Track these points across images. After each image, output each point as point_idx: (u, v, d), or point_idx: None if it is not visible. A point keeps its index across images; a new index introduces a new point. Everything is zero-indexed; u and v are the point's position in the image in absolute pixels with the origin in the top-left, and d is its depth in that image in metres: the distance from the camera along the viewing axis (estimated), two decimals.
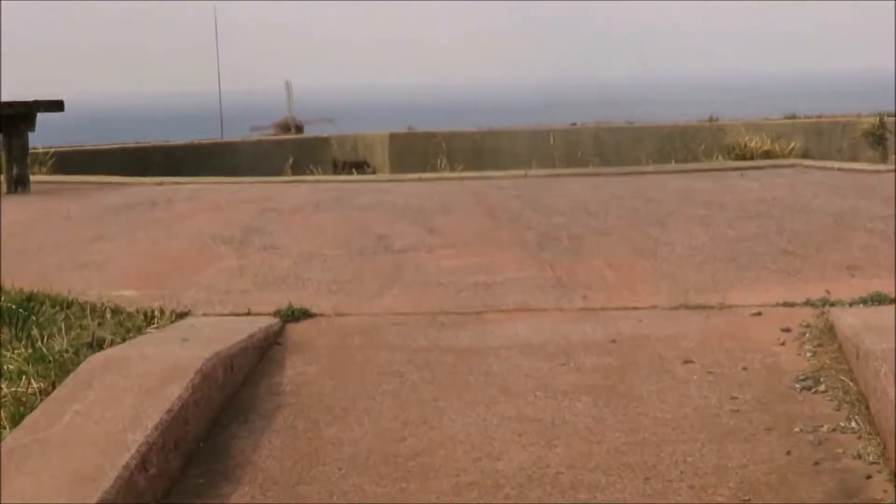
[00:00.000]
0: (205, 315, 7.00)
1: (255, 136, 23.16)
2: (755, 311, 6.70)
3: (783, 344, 6.15)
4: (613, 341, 6.32)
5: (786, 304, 6.77)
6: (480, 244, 8.90)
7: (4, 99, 14.02)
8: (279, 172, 21.44)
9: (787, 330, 6.33)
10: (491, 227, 9.62)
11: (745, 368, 5.84)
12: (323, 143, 23.40)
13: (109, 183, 13.74)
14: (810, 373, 5.70)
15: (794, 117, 23.97)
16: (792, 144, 21.71)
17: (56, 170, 18.71)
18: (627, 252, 8.38)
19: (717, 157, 21.80)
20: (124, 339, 6.26)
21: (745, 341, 6.23)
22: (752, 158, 21.74)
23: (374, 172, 24.03)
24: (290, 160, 22.03)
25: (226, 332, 6.33)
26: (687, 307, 6.86)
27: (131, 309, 6.95)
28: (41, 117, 13.59)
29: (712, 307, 6.83)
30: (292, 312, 6.93)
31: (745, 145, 21.91)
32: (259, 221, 10.22)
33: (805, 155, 21.87)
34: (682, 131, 23.09)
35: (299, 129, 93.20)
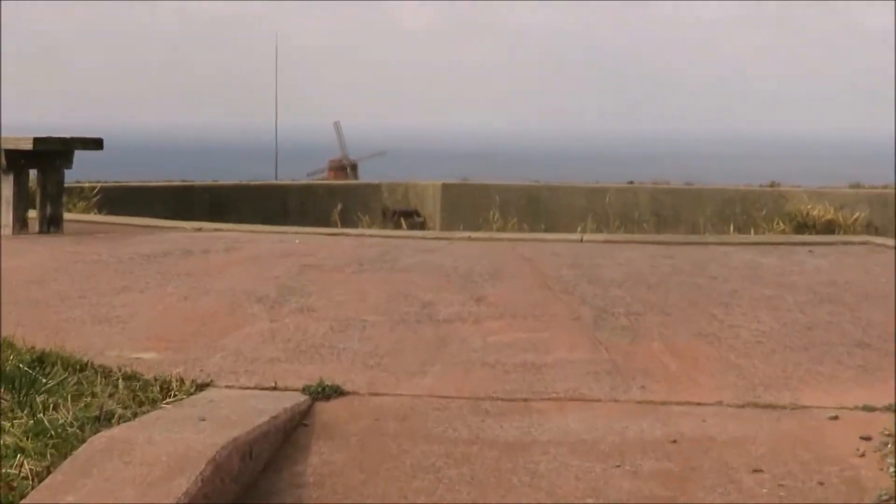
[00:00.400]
0: (227, 387, 6.43)
1: (305, 180, 22.68)
2: (831, 414, 6.07)
3: (863, 455, 5.51)
4: (674, 441, 5.70)
5: (865, 408, 6.13)
6: (531, 318, 8.29)
7: (43, 130, 13.53)
8: (328, 218, 20.96)
9: (868, 438, 5.69)
10: (543, 298, 9.02)
11: (821, 483, 5.21)
12: (373, 190, 22.91)
13: (147, 227, 13.25)
14: (894, 492, 5.07)
15: (858, 186, 23.30)
16: (856, 215, 21.05)
17: (101, 206, 18.30)
18: (689, 335, 7.75)
19: (778, 223, 21.16)
20: (135, 415, 5.69)
21: (820, 450, 5.60)
22: (813, 227, 21.09)
23: (424, 222, 23.51)
24: (339, 206, 21.55)
25: (247, 411, 5.76)
26: (756, 405, 6.23)
27: (149, 376, 6.40)
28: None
29: (783, 407, 6.20)
30: (323, 389, 6.35)
31: (808, 213, 21.27)
32: (297, 280, 9.65)
33: (869, 226, 21.20)
34: (743, 196, 22.45)
35: (353, 167, 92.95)
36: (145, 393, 6.10)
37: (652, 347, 7.44)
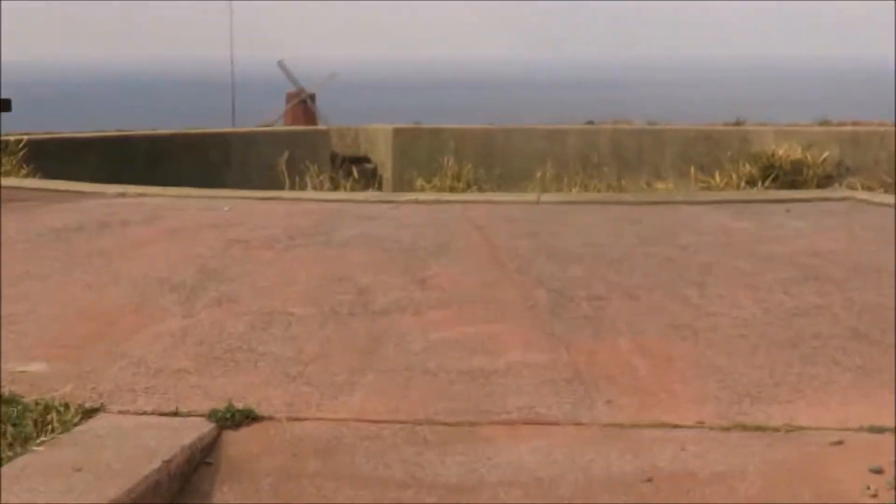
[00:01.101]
0: (121, 412, 5.45)
1: (248, 128, 21.52)
2: (833, 438, 5.13)
3: (875, 496, 4.59)
4: (649, 480, 4.77)
5: (872, 430, 5.20)
6: (481, 305, 7.30)
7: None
8: (273, 168, 19.93)
9: (879, 471, 4.77)
10: (495, 279, 8.02)
11: None
12: (322, 136, 21.85)
13: (67, 192, 12.15)
14: None
15: (827, 123, 22.38)
16: (825, 154, 20.18)
17: (28, 159, 17.20)
18: (660, 327, 6.78)
19: (744, 165, 20.26)
20: None
21: (822, 486, 4.68)
22: (780, 168, 20.20)
23: (375, 169, 22.51)
24: (285, 154, 20.51)
25: (136, 453, 4.77)
26: (743, 427, 5.27)
27: (29, 399, 5.41)
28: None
29: (776, 429, 5.25)
30: (232, 415, 5.37)
31: (774, 154, 20.38)
32: (220, 259, 8.62)
33: (840, 165, 20.33)
34: (707, 136, 21.50)
35: (312, 97, 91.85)
36: (19, 426, 5.11)
37: (618, 345, 6.47)
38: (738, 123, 23.20)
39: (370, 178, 21.16)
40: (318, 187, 18.76)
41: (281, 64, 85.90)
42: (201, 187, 20.12)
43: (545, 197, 11.30)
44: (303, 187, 18.94)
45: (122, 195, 11.77)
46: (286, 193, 11.81)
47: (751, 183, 19.88)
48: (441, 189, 19.00)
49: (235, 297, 7.46)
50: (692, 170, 20.37)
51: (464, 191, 18.92)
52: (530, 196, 11.33)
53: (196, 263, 8.43)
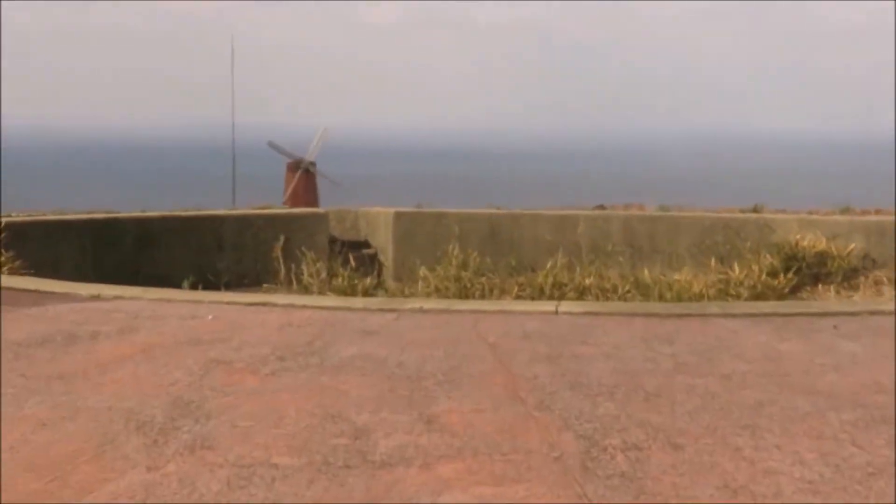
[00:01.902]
0: None
1: (242, 210, 20.47)
2: None
3: None
4: None
5: None
6: (498, 456, 6.19)
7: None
8: (268, 253, 18.95)
9: None
10: (513, 418, 6.90)
11: None
12: (320, 219, 20.78)
13: (38, 291, 11.05)
14: None
15: (849, 211, 21.38)
16: (851, 246, 19.13)
17: (8, 244, 16.15)
18: (712, 490, 5.68)
19: (765, 256, 19.23)
20: None
21: None
22: (803, 259, 19.18)
23: (374, 255, 21.48)
24: (282, 240, 19.47)
25: None
26: None
27: None
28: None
29: None
30: None
31: (797, 244, 19.34)
32: (198, 387, 7.50)
33: (866, 258, 19.34)
34: (725, 224, 20.47)
35: (312, 164, 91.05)
36: None
37: None
38: (756, 210, 22.19)
39: (370, 266, 20.11)
40: (315, 276, 17.72)
41: (272, 144, 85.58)
42: (192, 273, 19.28)
43: (564, 306, 10.20)
44: (299, 275, 17.91)
45: (97, 297, 10.67)
46: (278, 298, 10.69)
47: (772, 275, 18.83)
48: (445, 279, 17.95)
49: (212, 442, 6.36)
50: (712, 260, 19.33)
51: (470, 281, 17.87)
52: (548, 306, 10.22)
53: (170, 393, 7.32)
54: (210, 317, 9.74)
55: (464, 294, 17.61)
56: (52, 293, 10.90)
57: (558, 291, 17.80)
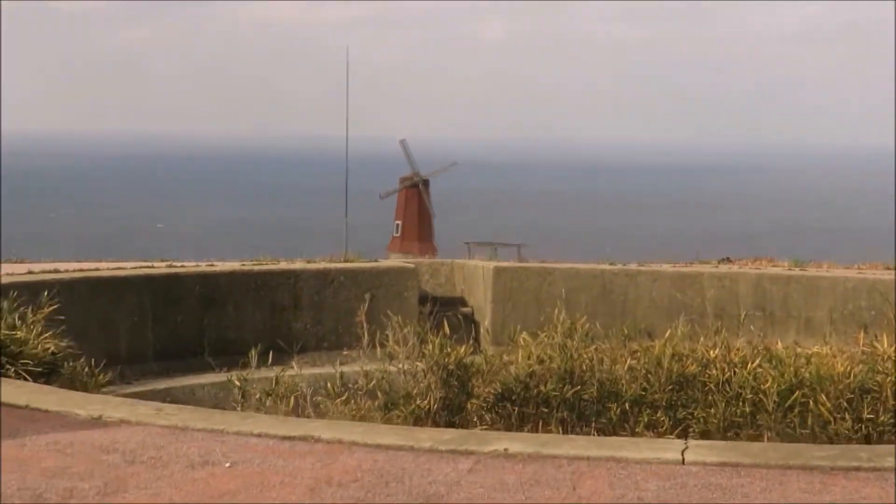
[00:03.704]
0: None
1: (322, 263, 18.25)
2: None
3: None
4: None
5: None
6: None
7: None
8: (350, 315, 16.71)
9: None
10: None
11: None
12: (409, 274, 18.49)
13: (26, 408, 8.77)
14: None
15: None
16: None
17: (59, 309, 14.07)
18: None
19: None
20: None
21: None
22: None
23: (471, 314, 19.16)
24: (367, 300, 17.21)
25: None
26: None
27: None
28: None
29: None
30: None
31: None
32: None
33: None
34: (871, 287, 17.84)
35: (425, 183, 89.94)
36: None
37: None
38: None
39: (465, 330, 17.77)
40: (401, 343, 15.44)
41: (402, 143, 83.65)
42: (264, 335, 17.11)
43: (694, 452, 7.76)
44: (383, 341, 15.63)
45: (97, 421, 8.39)
46: (323, 429, 8.29)
47: None
48: (549, 346, 15.61)
49: None
50: (858, 330, 16.73)
51: (577, 352, 15.50)
52: (671, 453, 7.77)
53: None
54: (227, 464, 7.44)
55: (569, 364, 15.31)
56: (45, 412, 8.63)
57: (678, 364, 15.41)
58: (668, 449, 7.91)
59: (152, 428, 8.32)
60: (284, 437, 8.09)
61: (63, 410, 8.63)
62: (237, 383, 13.23)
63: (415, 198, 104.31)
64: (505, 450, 7.82)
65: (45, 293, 13.57)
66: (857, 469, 7.55)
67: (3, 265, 17.48)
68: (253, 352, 14.41)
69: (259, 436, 8.13)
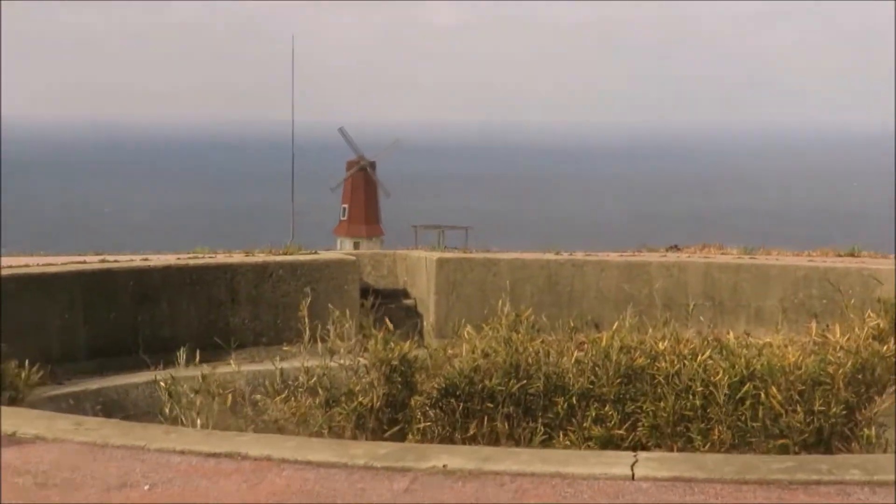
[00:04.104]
0: None
1: (261, 258, 17.68)
2: None
3: None
4: None
5: None
6: None
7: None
8: (290, 309, 16.32)
9: None
10: None
11: None
12: (350, 267, 17.96)
13: None
14: None
15: None
16: None
17: None
18: None
19: (870, 315, 16.27)
20: None
21: None
22: None
23: (414, 306, 18.71)
24: (308, 296, 16.72)
25: None
26: None
27: None
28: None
29: None
30: None
31: None
32: None
33: None
34: (822, 275, 17.51)
35: (372, 165, 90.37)
36: None
37: None
38: (853, 253, 19.26)
39: (408, 322, 17.32)
40: (344, 339, 14.98)
41: (342, 131, 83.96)
42: (200, 332, 16.58)
43: (644, 468, 7.32)
44: (325, 336, 15.17)
45: (11, 437, 7.87)
46: (251, 446, 7.78)
47: (879, 339, 15.89)
48: (494, 339, 15.17)
49: None
50: (809, 318, 16.40)
51: (522, 345, 15.07)
52: (620, 468, 7.33)
53: None
54: (146, 486, 6.96)
55: (514, 357, 14.89)
56: None
57: (626, 356, 15.02)
58: (617, 463, 7.46)
59: (69, 445, 7.82)
60: (209, 454, 7.60)
61: None
62: (162, 384, 12.78)
63: (361, 181, 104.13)
64: (444, 466, 7.38)
65: None
66: (818, 483, 7.15)
67: None
68: (182, 350, 13.92)
69: (182, 453, 7.64)
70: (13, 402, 12.30)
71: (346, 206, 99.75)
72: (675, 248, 20.72)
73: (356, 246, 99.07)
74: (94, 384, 15.01)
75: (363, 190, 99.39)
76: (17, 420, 8.31)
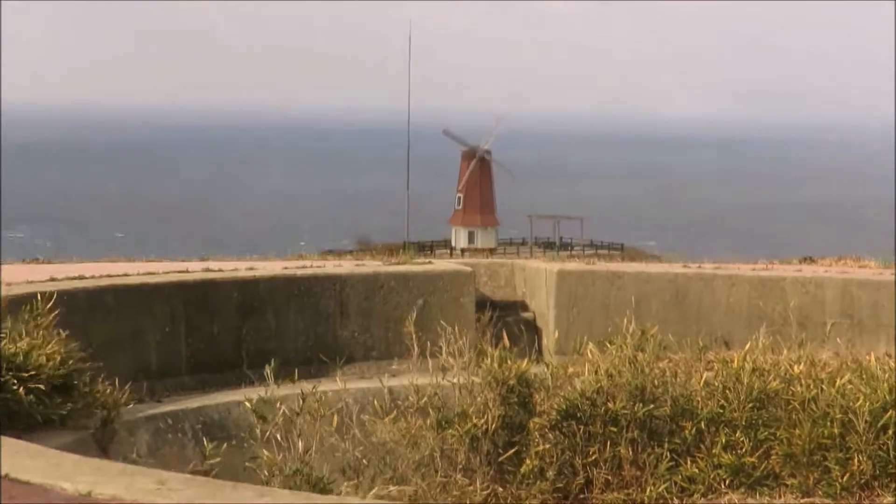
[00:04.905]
0: None
1: (371, 268, 16.96)
2: None
3: None
4: None
5: None
6: None
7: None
8: (400, 324, 15.54)
9: None
10: None
11: None
12: (466, 278, 17.23)
13: (5, 478, 7.48)
14: None
15: None
16: None
17: (83, 319, 12.99)
18: None
19: None
20: None
21: None
22: None
23: (534, 321, 17.92)
24: (416, 309, 16.05)
25: None
26: None
27: None
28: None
29: None
30: None
31: None
32: None
33: None
34: None
35: (488, 153, 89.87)
36: None
37: None
38: None
39: (525, 338, 16.53)
40: (456, 356, 14.27)
41: (447, 132, 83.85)
42: (307, 347, 15.93)
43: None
44: (437, 353, 14.47)
45: (84, 498, 7.05)
46: None
47: None
48: (618, 358, 14.45)
49: None
50: None
51: (648, 366, 14.32)
52: None
53: None
54: None
55: (640, 379, 14.20)
56: (25, 484, 7.30)
57: (759, 379, 14.30)
58: None
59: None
60: None
61: (47, 483, 7.29)
62: (248, 405, 12.26)
63: (476, 170, 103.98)
64: None
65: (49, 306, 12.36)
66: None
67: (23, 267, 16.46)
68: (268, 368, 13.08)
69: None
70: (105, 422, 11.64)
71: (460, 195, 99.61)
72: (810, 259, 19.85)
73: (471, 235, 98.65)
74: (195, 402, 14.36)
75: (478, 179, 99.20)
76: (93, 476, 7.46)
